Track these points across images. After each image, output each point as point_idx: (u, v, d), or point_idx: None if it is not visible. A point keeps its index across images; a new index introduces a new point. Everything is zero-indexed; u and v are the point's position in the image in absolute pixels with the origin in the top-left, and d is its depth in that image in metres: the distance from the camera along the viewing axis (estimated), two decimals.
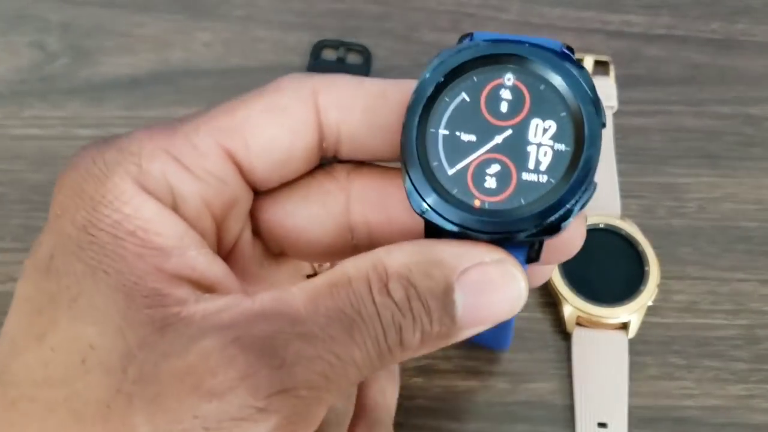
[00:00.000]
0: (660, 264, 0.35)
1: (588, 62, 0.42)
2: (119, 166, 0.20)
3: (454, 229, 0.20)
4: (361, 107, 0.22)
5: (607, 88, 0.41)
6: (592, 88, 0.20)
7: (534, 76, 0.20)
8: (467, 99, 0.21)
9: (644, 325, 0.35)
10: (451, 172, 0.20)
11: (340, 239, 0.23)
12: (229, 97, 0.42)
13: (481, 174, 0.20)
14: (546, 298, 0.36)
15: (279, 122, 0.21)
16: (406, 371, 0.36)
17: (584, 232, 0.23)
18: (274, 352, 0.18)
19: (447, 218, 0.20)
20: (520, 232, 0.20)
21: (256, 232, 0.24)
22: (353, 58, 0.43)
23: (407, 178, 0.20)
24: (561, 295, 0.35)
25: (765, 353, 0.35)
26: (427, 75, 0.21)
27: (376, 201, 0.23)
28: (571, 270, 0.35)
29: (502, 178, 0.20)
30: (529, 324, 0.36)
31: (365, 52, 0.42)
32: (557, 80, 0.20)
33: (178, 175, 0.21)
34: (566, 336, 0.35)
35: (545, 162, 0.20)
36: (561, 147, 0.20)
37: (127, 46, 0.43)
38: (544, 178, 0.20)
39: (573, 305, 0.34)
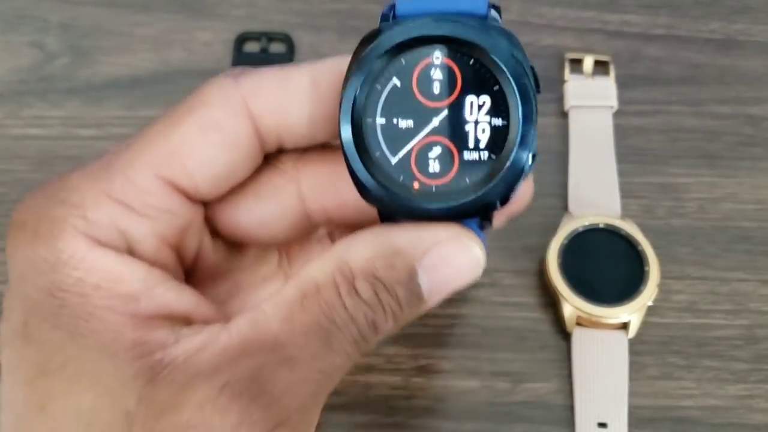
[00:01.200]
0: (660, 264, 0.35)
1: (588, 62, 0.42)
2: (65, 223, 0.20)
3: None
4: (294, 104, 0.21)
5: (607, 88, 0.41)
6: (521, 54, 0.20)
7: (462, 51, 0.20)
8: (398, 84, 0.20)
9: (644, 325, 0.35)
10: (394, 160, 0.20)
11: (298, 226, 0.23)
12: None
13: (424, 158, 0.20)
14: (546, 298, 0.36)
15: (215, 140, 0.21)
16: (406, 371, 0.36)
17: (532, 186, 0.23)
18: (262, 390, 0.19)
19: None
20: (470, 213, 0.20)
21: (215, 233, 0.24)
22: (276, 48, 0.43)
23: (352, 173, 0.20)
24: (561, 295, 0.35)
25: (765, 353, 0.35)
26: (351, 79, 0.20)
27: (327, 187, 0.23)
28: (571, 270, 0.35)
29: (445, 159, 0.20)
30: (529, 324, 0.36)
31: (287, 41, 0.43)
32: (485, 52, 0.20)
33: (125, 218, 0.20)
34: (566, 336, 0.35)
35: (484, 139, 0.20)
36: (498, 122, 0.20)
37: (126, 46, 0.43)
38: (485, 155, 0.20)
39: (573, 305, 0.34)
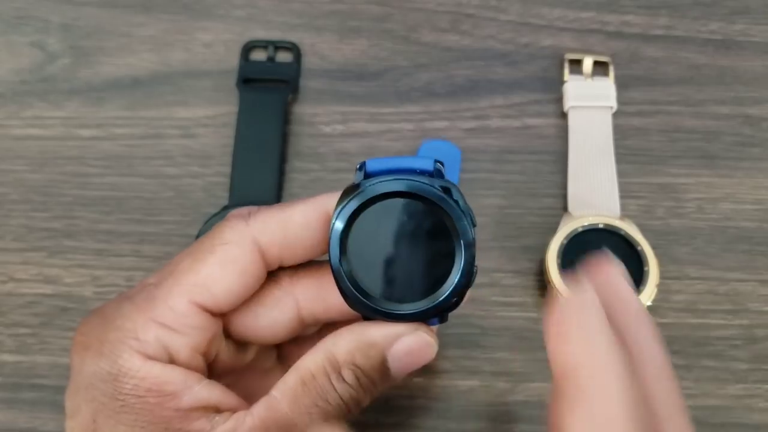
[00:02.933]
0: (659, 264, 0.36)
1: (587, 63, 0.42)
2: (124, 345, 0.26)
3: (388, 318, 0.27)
4: (292, 238, 0.28)
5: (606, 89, 0.41)
6: (461, 198, 0.26)
7: (418, 204, 0.26)
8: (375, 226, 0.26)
9: None
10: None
11: (293, 327, 0.30)
12: (230, 97, 0.41)
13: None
14: (546, 298, 0.36)
15: (233, 271, 0.27)
16: None
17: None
18: None
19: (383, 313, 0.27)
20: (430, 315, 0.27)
21: (227, 335, 0.30)
22: (283, 56, 0.43)
23: (342, 290, 0.26)
24: (561, 295, 0.35)
25: (764, 353, 0.36)
26: (336, 223, 0.26)
27: (316, 295, 0.29)
28: (571, 269, 0.35)
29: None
30: (529, 324, 0.36)
31: (294, 49, 0.43)
32: (434, 203, 0.26)
33: (167, 337, 0.27)
34: None
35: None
36: (450, 248, 0.26)
37: (127, 47, 0.43)
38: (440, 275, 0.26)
39: None
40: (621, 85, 0.42)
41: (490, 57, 0.43)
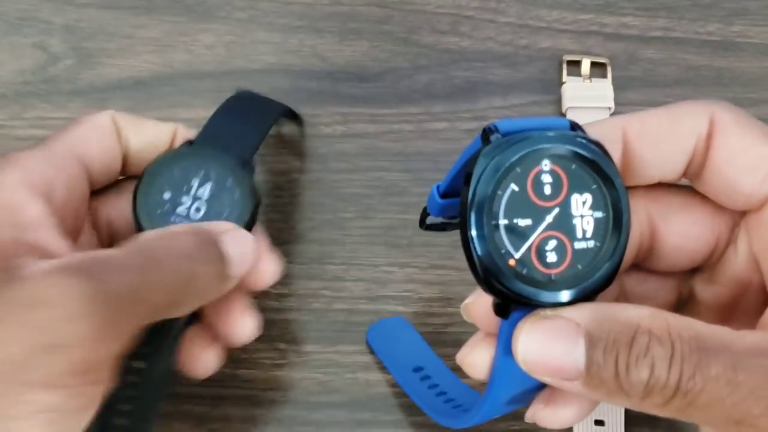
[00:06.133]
0: None
1: (585, 64, 0.42)
2: (11, 168, 0.27)
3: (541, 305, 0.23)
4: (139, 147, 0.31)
5: (604, 90, 0.41)
6: (607, 154, 0.24)
7: (564, 158, 0.24)
8: (516, 189, 0.23)
9: None
10: (517, 255, 0.23)
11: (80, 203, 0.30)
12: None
13: (542, 251, 0.23)
14: None
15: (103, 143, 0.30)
16: None
17: None
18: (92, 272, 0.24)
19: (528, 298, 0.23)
20: (592, 292, 0.24)
21: (94, 227, 0.31)
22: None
23: (482, 278, 0.23)
24: None
25: None
26: (481, 177, 0.23)
27: (116, 201, 0.31)
28: None
29: (560, 250, 0.23)
30: None
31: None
32: (581, 158, 0.24)
33: (52, 173, 0.27)
34: None
35: (590, 229, 0.24)
36: (599, 214, 0.24)
37: (129, 48, 0.43)
38: (591, 243, 0.24)
39: None
40: (619, 86, 0.42)
41: (489, 59, 0.43)
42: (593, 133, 0.25)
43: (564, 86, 0.42)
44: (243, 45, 0.43)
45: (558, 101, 0.42)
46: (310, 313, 0.38)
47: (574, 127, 0.24)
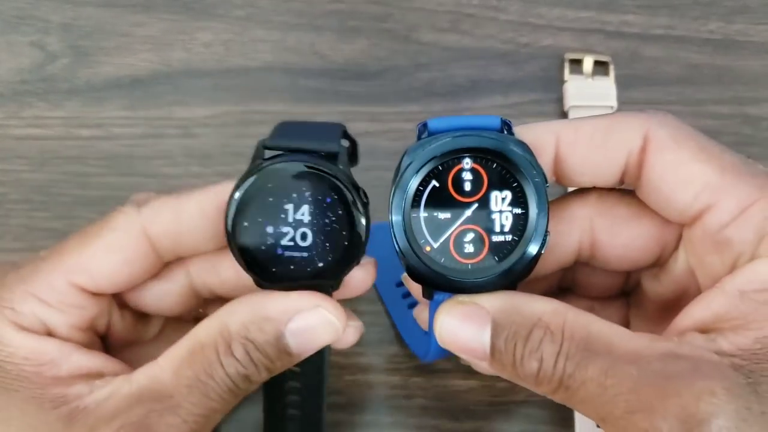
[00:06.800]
0: None
1: (587, 62, 0.42)
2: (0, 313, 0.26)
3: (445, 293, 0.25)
4: (186, 228, 0.28)
5: (606, 89, 0.41)
6: (531, 155, 0.25)
7: (485, 157, 0.25)
8: (437, 185, 0.25)
9: None
10: (436, 245, 0.25)
11: (187, 299, 0.30)
12: (229, 97, 0.41)
13: (460, 243, 0.25)
14: None
15: (117, 257, 0.27)
16: (406, 371, 0.36)
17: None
18: (149, 430, 0.25)
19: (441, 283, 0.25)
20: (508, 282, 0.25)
21: (123, 306, 0.30)
22: None
23: (402, 256, 0.25)
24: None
25: None
26: (404, 173, 0.25)
27: (210, 267, 0.29)
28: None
29: (477, 243, 0.25)
30: None
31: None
32: (502, 157, 0.25)
33: (44, 312, 0.27)
34: None
35: (508, 224, 0.25)
36: (517, 210, 0.25)
37: (127, 47, 0.43)
38: (509, 237, 0.25)
39: None
40: (621, 84, 0.42)
41: (490, 56, 0.43)
42: (526, 136, 0.26)
43: (566, 85, 0.41)
44: (241, 43, 0.43)
45: (559, 99, 0.42)
46: None
47: (504, 127, 0.25)
